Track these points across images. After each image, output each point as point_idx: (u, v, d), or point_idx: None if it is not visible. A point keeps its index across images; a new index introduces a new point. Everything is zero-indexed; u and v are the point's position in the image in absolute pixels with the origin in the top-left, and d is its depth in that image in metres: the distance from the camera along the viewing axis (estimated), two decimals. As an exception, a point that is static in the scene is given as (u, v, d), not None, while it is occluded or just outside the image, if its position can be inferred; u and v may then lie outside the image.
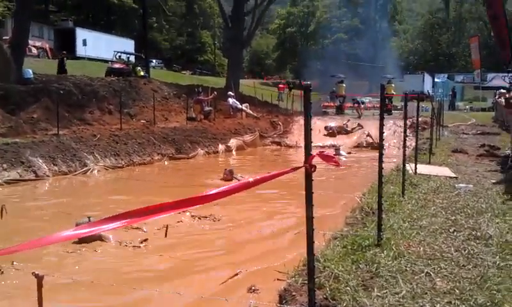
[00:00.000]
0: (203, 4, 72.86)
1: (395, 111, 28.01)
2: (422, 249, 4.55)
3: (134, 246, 6.37)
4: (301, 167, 3.01)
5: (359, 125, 22.57)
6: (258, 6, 31.87)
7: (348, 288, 3.54)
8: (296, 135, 22.09)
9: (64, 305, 4.60)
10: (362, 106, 25.95)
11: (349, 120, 23.52)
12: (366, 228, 5.26)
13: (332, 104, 31.23)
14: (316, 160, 2.97)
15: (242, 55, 41.70)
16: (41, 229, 6.96)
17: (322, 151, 3.22)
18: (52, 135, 13.84)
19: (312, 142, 3.08)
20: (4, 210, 6.54)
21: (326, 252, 4.51)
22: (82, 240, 6.01)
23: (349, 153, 19.06)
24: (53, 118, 14.63)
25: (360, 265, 4.10)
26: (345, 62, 53.13)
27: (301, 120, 22.50)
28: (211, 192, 2.61)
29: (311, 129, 3.16)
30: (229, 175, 11.26)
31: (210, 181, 11.72)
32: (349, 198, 7.65)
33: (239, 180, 10.32)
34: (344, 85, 30.07)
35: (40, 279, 3.36)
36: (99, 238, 6.35)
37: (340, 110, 28.86)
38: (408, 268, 4.03)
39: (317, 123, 23.13)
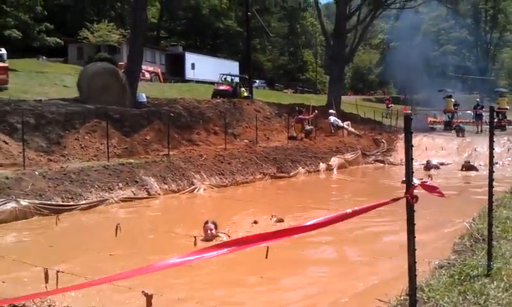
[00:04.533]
0: (305, 23, 73.73)
1: (510, 127, 26.13)
2: (536, 280, 4.22)
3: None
4: (402, 198, 2.98)
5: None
6: (361, 23, 31.56)
7: (453, 322, 3.40)
8: (400, 153, 21.35)
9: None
10: (465, 132, 24.21)
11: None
12: (475, 257, 5.00)
13: (440, 119, 29.90)
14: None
15: (344, 72, 41.35)
16: (151, 249, 7.45)
17: (425, 182, 3.17)
18: (163, 155, 14.72)
19: (413, 159, 3.04)
20: (118, 229, 7.10)
21: (431, 282, 4.36)
22: None
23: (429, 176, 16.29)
24: (164, 139, 15.58)
25: (467, 297, 3.91)
26: (453, 75, 50.62)
27: (405, 138, 21.74)
28: (308, 223, 2.68)
29: (412, 158, 3.12)
30: (208, 233, 7.89)
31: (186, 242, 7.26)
32: (455, 224, 7.30)
33: (227, 235, 7.94)
34: (453, 100, 28.77)
35: (149, 298, 3.64)
36: None
37: (448, 127, 27.55)
38: (518, 302, 3.77)
39: (424, 141, 22.31)
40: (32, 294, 4.02)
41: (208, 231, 7.86)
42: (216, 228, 7.99)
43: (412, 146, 3.09)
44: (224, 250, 2.55)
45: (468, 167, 18.50)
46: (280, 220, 9.20)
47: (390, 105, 38.02)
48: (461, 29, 65.78)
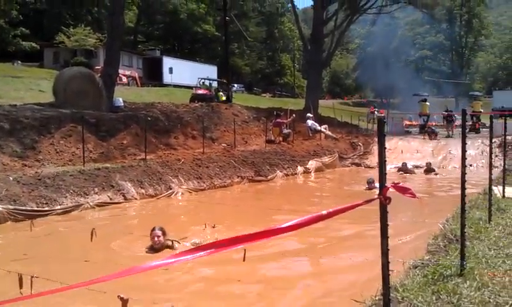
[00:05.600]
0: (283, 28, 74.18)
1: (484, 129, 26.65)
2: (507, 279, 4.32)
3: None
4: (375, 199, 3.03)
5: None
6: (338, 28, 31.85)
7: (426, 321, 3.46)
8: (377, 156, 21.55)
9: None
10: (437, 136, 24.73)
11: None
12: (448, 257, 5.09)
13: (415, 123, 30.35)
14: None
15: (321, 77, 41.67)
16: (126, 255, 7.40)
17: (398, 183, 3.22)
18: (140, 160, 14.59)
19: (386, 160, 3.09)
20: (94, 234, 7.02)
21: (405, 282, 4.42)
22: None
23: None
24: (141, 144, 15.45)
25: (441, 296, 3.98)
26: (429, 79, 51.48)
27: (382, 141, 22.00)
28: (284, 226, 2.71)
29: (385, 160, 3.18)
30: (156, 240, 7.28)
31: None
32: (428, 224, 7.41)
33: (177, 242, 7.50)
34: (428, 103, 29.23)
35: (124, 302, 3.61)
36: None
37: (423, 130, 27.97)
38: (491, 300, 3.85)
39: (399, 144, 22.64)
40: (6, 300, 3.95)
41: (156, 238, 7.25)
42: (164, 234, 7.34)
43: (385, 148, 3.15)
44: (194, 255, 2.56)
45: (429, 170, 18.91)
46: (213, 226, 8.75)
47: (373, 111, 38.52)
48: (436, 33, 66.92)
